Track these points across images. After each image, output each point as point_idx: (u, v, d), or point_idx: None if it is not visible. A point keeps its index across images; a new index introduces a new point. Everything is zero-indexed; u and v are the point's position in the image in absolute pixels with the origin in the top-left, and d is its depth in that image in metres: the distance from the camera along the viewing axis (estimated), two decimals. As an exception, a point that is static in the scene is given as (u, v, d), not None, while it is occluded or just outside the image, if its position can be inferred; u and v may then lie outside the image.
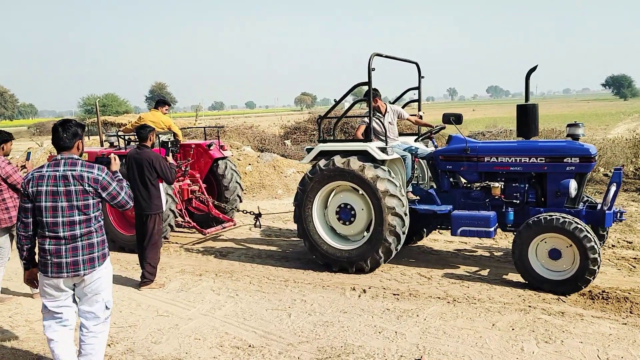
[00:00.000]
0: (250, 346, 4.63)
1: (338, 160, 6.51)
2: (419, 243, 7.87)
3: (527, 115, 6.30)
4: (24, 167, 6.44)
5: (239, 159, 14.12)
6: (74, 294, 3.78)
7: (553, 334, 4.60)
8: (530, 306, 5.25)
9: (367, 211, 6.54)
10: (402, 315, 5.19)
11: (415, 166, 7.20)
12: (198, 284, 6.47)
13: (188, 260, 7.65)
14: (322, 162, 6.65)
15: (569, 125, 6.27)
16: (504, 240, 7.72)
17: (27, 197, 3.62)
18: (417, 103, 8.07)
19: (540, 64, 6.41)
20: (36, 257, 3.75)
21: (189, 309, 5.60)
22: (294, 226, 9.29)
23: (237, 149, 15.57)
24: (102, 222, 3.80)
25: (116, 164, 4.10)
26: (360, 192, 6.53)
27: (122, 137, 8.88)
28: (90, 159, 8.21)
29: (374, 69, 6.38)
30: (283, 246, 8.19)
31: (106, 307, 3.81)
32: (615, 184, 5.96)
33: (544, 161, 6.13)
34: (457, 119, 6.55)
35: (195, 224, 8.58)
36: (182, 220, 8.52)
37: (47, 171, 3.62)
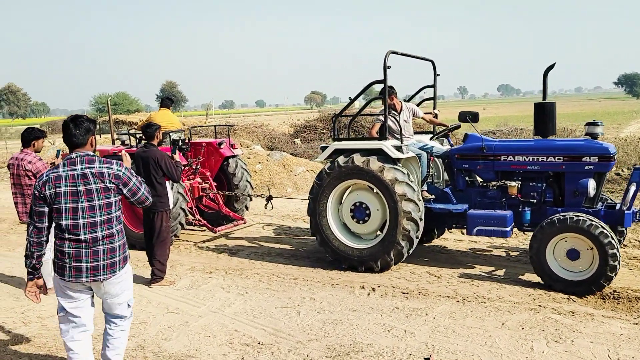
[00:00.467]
0: (259, 344, 4.66)
1: (357, 159, 6.46)
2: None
3: (544, 114, 6.22)
4: (53, 164, 6.49)
5: (248, 158, 14.17)
6: (92, 295, 3.65)
7: (563, 334, 4.57)
8: (540, 305, 5.23)
9: (382, 212, 6.50)
10: (411, 313, 5.19)
11: (431, 165, 7.16)
12: (208, 281, 6.51)
13: (198, 257, 7.69)
14: (341, 159, 6.60)
15: (587, 124, 6.17)
16: (514, 240, 7.68)
17: (43, 200, 3.38)
18: (431, 101, 8.02)
19: (553, 62, 6.34)
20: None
21: (199, 307, 5.64)
22: (303, 224, 9.34)
23: (247, 147, 15.62)
24: (122, 223, 3.65)
25: (127, 161, 4.12)
26: (375, 191, 6.50)
27: (134, 135, 8.96)
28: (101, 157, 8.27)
29: (389, 67, 6.34)
30: (293, 244, 8.22)
31: (128, 305, 3.74)
32: (635, 183, 5.86)
33: (562, 160, 6.04)
34: (473, 117, 6.45)
35: (205, 221, 8.64)
36: (193, 218, 8.57)
37: (63, 171, 3.41)
